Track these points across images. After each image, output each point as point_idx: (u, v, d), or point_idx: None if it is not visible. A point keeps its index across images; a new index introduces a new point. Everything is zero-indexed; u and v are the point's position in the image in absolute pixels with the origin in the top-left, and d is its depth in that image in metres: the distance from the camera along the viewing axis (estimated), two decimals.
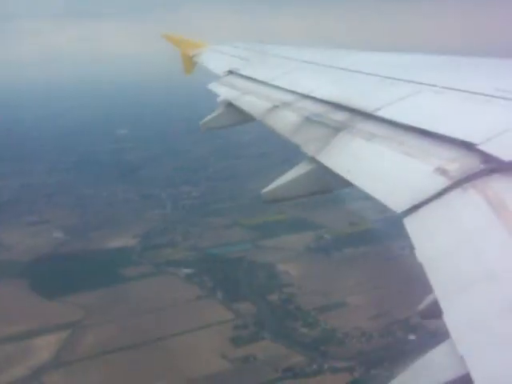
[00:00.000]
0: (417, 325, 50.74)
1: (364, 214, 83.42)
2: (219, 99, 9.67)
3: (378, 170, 4.75)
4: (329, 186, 5.47)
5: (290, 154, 6.75)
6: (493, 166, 3.71)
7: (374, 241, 65.08)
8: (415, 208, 3.78)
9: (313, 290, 62.96)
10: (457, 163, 3.99)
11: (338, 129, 5.78)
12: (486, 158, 3.83)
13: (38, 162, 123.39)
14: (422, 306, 4.83)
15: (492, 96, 4.95)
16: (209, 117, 9.64)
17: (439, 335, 2.86)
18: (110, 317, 60.28)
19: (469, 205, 3.52)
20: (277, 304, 62.04)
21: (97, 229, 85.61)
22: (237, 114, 8.91)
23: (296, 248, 75.35)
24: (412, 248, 3.49)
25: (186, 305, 62.28)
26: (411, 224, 3.73)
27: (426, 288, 3.15)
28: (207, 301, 63.55)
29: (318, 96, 7.11)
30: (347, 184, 4.83)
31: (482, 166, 3.78)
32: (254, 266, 71.24)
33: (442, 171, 4.00)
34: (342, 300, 61.54)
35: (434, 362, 2.91)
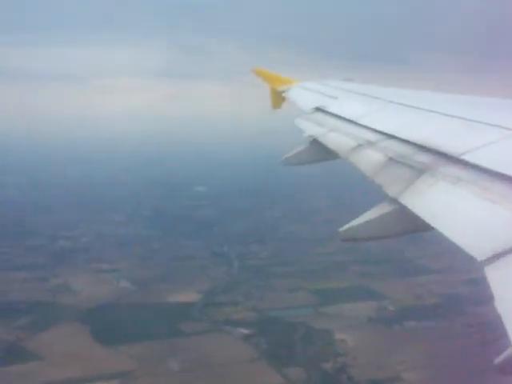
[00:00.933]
0: None
1: (430, 288, 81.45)
2: (305, 135, 9.83)
3: (460, 215, 4.69)
4: (409, 228, 5.44)
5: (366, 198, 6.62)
6: None
7: (438, 316, 62.54)
8: (497, 256, 3.69)
9: (368, 361, 60.54)
10: None
11: (421, 171, 5.75)
12: None
13: (116, 212, 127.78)
14: (499, 360, 4.64)
15: None
16: (293, 152, 9.79)
17: None
18: (161, 370, 60.09)
19: None
20: (329, 373, 59.95)
21: (163, 281, 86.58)
22: (321, 151, 9.02)
23: (357, 317, 73.20)
24: (491, 298, 3.37)
25: (237, 365, 61.22)
26: (492, 273, 3.62)
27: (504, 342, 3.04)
28: (260, 363, 62.23)
29: (403, 136, 7.10)
30: (428, 227, 4.79)
31: None
32: (312, 332, 69.48)
33: None
34: (396, 375, 58.83)
35: None
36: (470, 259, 3.77)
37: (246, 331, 69.96)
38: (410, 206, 5.14)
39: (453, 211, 4.79)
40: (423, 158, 6.03)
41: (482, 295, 3.67)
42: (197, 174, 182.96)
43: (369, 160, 6.86)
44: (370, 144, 7.44)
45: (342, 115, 9.64)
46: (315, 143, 9.24)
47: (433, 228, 4.63)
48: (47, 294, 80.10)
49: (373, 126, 8.09)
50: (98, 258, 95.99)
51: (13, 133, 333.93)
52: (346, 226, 5.58)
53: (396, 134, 7.30)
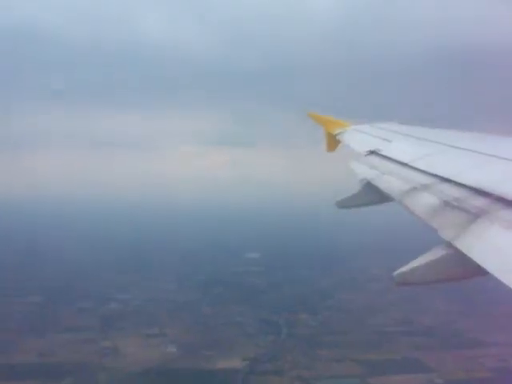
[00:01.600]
0: None
1: (482, 361, 78.12)
2: (358, 178, 9.93)
3: None
4: (464, 273, 5.34)
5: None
6: None
7: None
8: None
9: None
10: None
11: (477, 215, 5.67)
12: None
13: (167, 276, 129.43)
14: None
15: None
16: (346, 195, 9.85)
17: None
18: None
19: None
20: None
21: (209, 347, 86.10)
22: (374, 194, 9.08)
23: None
24: None
25: None
26: None
27: None
28: None
29: (458, 180, 7.06)
30: (483, 272, 4.76)
31: None
32: None
33: None
34: None
35: None
36: None
37: None
38: (465, 251, 5.08)
39: (509, 256, 4.68)
40: (479, 202, 5.96)
41: None
42: (250, 239, 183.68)
43: (423, 203, 6.82)
44: (425, 187, 7.40)
45: (396, 158, 9.69)
46: (369, 186, 9.29)
47: (488, 273, 4.58)
48: (95, 356, 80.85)
49: (428, 170, 8.07)
50: (147, 321, 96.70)
51: (77, 194, 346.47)
52: (401, 270, 5.58)
53: (452, 178, 7.24)
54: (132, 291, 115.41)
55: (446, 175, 7.44)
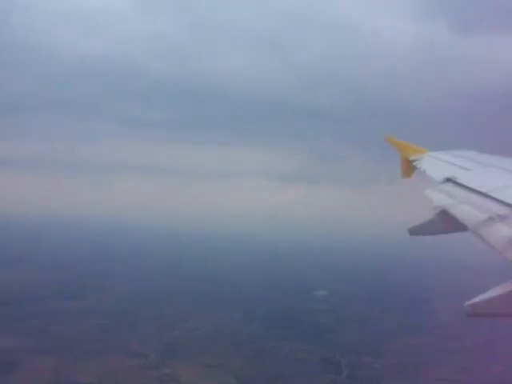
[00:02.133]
0: None
1: None
2: (433, 205, 9.84)
3: None
4: None
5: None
6: None
7: None
8: None
9: None
10: None
11: None
12: None
13: (234, 308, 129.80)
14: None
15: None
16: (420, 222, 9.83)
17: None
18: None
19: None
20: None
21: (268, 382, 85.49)
22: (449, 222, 8.89)
23: None
24: None
25: None
26: None
27: None
28: None
29: None
30: None
31: None
32: None
33: None
34: None
35: None
36: None
37: None
38: None
39: None
40: None
41: None
42: (320, 276, 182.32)
43: (500, 234, 6.60)
44: (502, 218, 7.16)
45: (474, 187, 9.49)
46: (444, 214, 9.15)
47: None
48: (154, 383, 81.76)
49: (506, 200, 7.83)
50: (209, 352, 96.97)
51: (153, 220, 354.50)
52: (472, 301, 5.50)
53: None
54: (196, 321, 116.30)
55: None
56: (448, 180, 10.85)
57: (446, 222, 9.05)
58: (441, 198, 9.83)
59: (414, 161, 14.92)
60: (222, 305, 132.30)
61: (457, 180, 10.55)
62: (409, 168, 15.26)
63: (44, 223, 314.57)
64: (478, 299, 5.43)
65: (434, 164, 13.74)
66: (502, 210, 7.40)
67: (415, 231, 9.69)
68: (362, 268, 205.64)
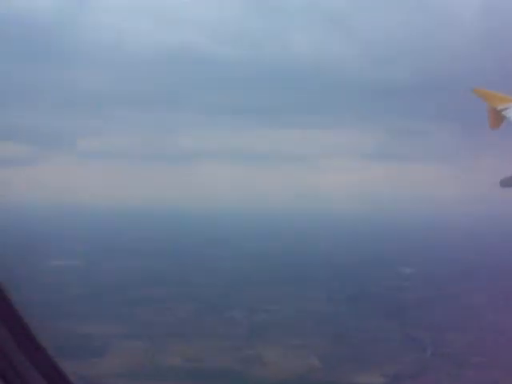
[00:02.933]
0: None
1: None
2: None
3: None
4: None
5: None
6: None
7: None
8: None
9: None
10: None
11: None
12: None
13: (315, 289, 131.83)
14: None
15: None
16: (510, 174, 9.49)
17: None
18: None
19: None
20: None
21: (350, 361, 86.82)
22: None
23: None
24: None
25: None
26: None
27: None
28: None
29: None
30: None
31: None
32: None
33: None
34: None
35: None
36: None
37: None
38: None
39: None
40: None
41: None
42: (407, 253, 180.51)
43: None
44: None
45: None
46: None
47: None
48: (239, 364, 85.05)
49: None
50: (293, 332, 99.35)
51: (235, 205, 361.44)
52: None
53: None
54: (281, 302, 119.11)
55: None
56: None
57: None
58: None
59: (502, 110, 14.33)
60: (306, 285, 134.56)
61: None
62: (497, 118, 14.73)
63: (140, 212, 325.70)
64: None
65: None
66: None
67: (507, 183, 9.47)
68: (453, 244, 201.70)
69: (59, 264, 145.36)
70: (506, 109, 14.16)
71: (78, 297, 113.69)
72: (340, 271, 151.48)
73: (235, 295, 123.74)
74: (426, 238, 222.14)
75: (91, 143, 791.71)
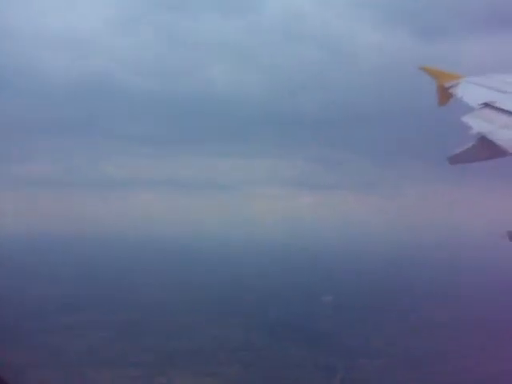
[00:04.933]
0: None
1: None
2: (472, 132, 9.51)
3: None
4: None
5: None
6: None
7: None
8: None
9: None
10: None
11: None
12: None
13: (236, 316, 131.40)
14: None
15: None
16: (460, 149, 9.47)
17: None
18: None
19: None
20: None
21: None
22: (490, 148, 8.70)
23: None
24: None
25: None
26: None
27: None
28: None
29: None
30: None
31: None
32: None
33: None
34: None
35: None
36: None
37: None
38: None
39: None
40: None
41: None
42: (329, 281, 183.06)
43: None
44: None
45: None
46: (483, 140, 8.91)
47: None
48: None
49: None
50: (206, 360, 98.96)
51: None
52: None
53: None
54: (197, 331, 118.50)
55: None
56: (486, 105, 10.48)
57: (486, 148, 8.79)
58: (480, 124, 9.51)
59: (450, 87, 14.49)
60: (225, 312, 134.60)
61: (495, 104, 10.20)
62: (445, 95, 14.83)
63: (62, 240, 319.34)
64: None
65: (471, 89, 13.16)
66: None
67: (456, 159, 9.38)
68: (373, 272, 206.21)
69: None
70: (453, 86, 14.45)
71: None
72: (261, 299, 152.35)
73: (151, 322, 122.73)
74: (349, 265, 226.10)
75: (16, 170, 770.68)
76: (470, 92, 12.90)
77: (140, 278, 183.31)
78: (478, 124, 9.57)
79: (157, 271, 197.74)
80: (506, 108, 9.65)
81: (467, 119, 10.16)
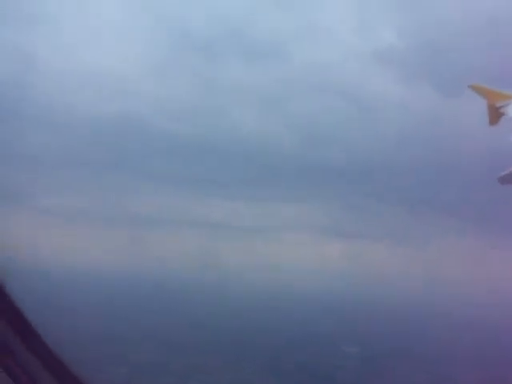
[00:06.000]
0: None
1: None
2: None
3: None
4: None
5: None
6: None
7: None
8: None
9: None
10: None
11: None
12: None
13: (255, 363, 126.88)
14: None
15: None
16: (509, 170, 9.20)
17: None
18: None
19: None
20: None
21: None
22: None
23: None
24: None
25: None
26: None
27: None
28: None
29: None
30: None
31: None
32: None
33: None
34: None
35: None
36: None
37: None
38: None
39: None
40: None
41: None
42: (354, 332, 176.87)
43: None
44: None
45: None
46: None
47: None
48: None
49: None
50: None
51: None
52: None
53: None
54: (212, 374, 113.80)
55: None
56: None
57: None
58: None
59: (501, 107, 14.14)
60: (241, 358, 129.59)
61: None
62: (496, 115, 14.50)
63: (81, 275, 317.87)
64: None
65: None
66: None
67: (505, 179, 9.17)
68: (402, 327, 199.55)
69: None
70: (504, 106, 13.96)
71: None
72: (284, 347, 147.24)
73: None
74: (374, 316, 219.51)
75: (46, 202, 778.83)
76: None
77: (159, 317, 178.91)
78: None
79: (180, 312, 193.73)
80: None
81: None
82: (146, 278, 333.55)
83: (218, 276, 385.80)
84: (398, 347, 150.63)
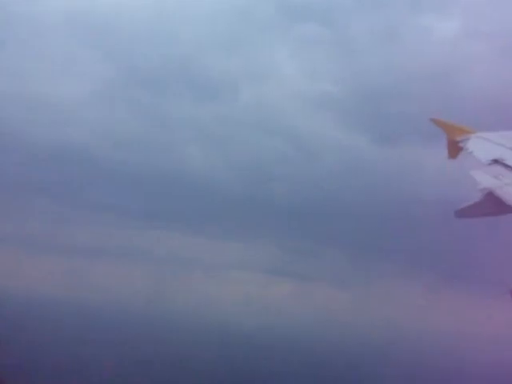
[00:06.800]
0: None
1: None
2: (479, 187, 9.72)
3: None
4: None
5: None
6: None
7: None
8: None
9: None
10: None
11: None
12: None
13: None
14: None
15: None
16: (466, 204, 9.69)
17: None
18: None
19: None
20: None
21: None
22: (496, 204, 8.96)
23: None
24: None
25: None
26: None
27: None
28: None
29: None
30: None
31: None
32: None
33: None
34: None
35: None
36: None
37: None
38: None
39: None
40: None
41: None
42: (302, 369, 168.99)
43: None
44: None
45: None
46: (490, 196, 9.16)
47: None
48: None
49: None
50: None
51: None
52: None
53: None
54: None
55: None
56: (495, 161, 10.67)
57: (492, 204, 9.04)
58: (487, 179, 9.85)
59: (460, 141, 14.27)
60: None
61: (505, 161, 10.41)
62: (455, 149, 14.48)
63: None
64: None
65: (481, 145, 13.13)
66: None
67: (461, 213, 9.54)
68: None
69: None
70: (463, 140, 14.20)
71: None
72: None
73: None
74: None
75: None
76: (480, 147, 13.03)
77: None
78: (485, 179, 9.97)
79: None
80: None
81: (475, 174, 10.57)
82: (77, 306, 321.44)
83: (153, 308, 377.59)
84: None
